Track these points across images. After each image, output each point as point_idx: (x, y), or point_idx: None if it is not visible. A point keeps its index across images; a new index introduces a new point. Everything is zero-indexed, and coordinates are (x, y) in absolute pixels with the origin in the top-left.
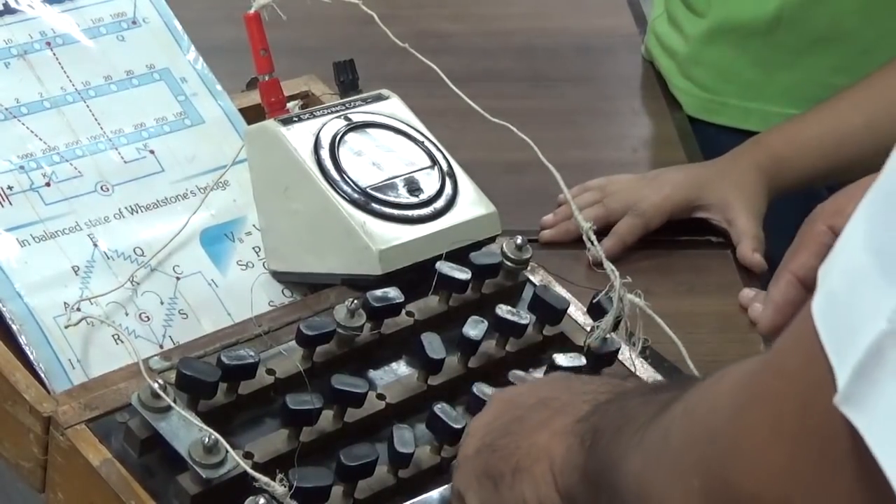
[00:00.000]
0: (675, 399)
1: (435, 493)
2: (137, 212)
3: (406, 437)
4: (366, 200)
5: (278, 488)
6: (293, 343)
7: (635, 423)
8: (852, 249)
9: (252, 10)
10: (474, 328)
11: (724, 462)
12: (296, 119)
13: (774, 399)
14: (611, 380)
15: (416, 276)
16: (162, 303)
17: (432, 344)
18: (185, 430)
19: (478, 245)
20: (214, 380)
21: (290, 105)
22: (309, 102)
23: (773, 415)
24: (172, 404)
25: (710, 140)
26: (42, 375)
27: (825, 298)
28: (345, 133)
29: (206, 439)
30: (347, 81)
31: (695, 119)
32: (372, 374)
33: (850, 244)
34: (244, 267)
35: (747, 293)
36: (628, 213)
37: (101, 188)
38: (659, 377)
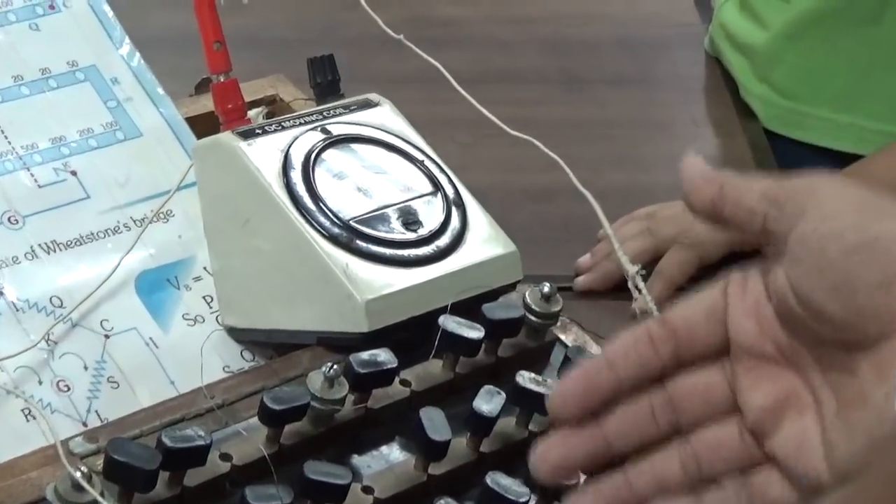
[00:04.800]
0: None
1: None
2: (55, 250)
3: None
4: (349, 237)
5: None
6: (255, 420)
7: None
8: None
9: None
10: (488, 402)
11: None
12: (259, 131)
13: None
14: None
15: (413, 335)
16: (86, 368)
17: (434, 421)
18: None
19: (493, 294)
20: (153, 467)
21: (251, 113)
22: (276, 110)
23: None
24: (99, 499)
25: (791, 160)
26: None
27: None
28: (322, 149)
29: None
30: (325, 83)
31: (773, 133)
32: (356, 460)
33: None
34: (192, 322)
35: None
36: (676, 244)
37: (9, 220)
38: None
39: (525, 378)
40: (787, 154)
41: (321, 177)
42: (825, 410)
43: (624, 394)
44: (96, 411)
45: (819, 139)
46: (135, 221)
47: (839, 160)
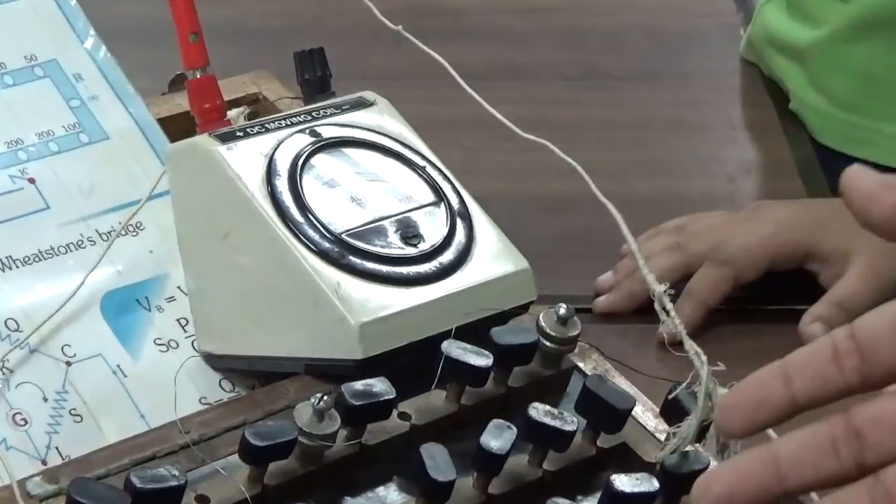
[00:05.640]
0: None
1: None
2: (10, 267)
3: None
4: (341, 252)
5: None
6: (235, 458)
7: None
8: None
9: None
10: (497, 437)
11: None
12: (240, 134)
13: None
14: None
15: (412, 362)
16: (45, 399)
17: (436, 459)
18: None
19: (503, 317)
20: None
21: (231, 114)
22: (259, 110)
23: None
24: None
25: None
26: None
27: None
28: (311, 154)
29: None
30: (314, 80)
31: (828, 149)
32: (349, 503)
33: None
34: (164, 348)
35: None
36: (709, 260)
37: None
38: None
39: (539, 411)
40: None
41: (310, 185)
42: None
43: (798, 412)
44: (57, 448)
45: (885, 159)
46: (100, 235)
47: None
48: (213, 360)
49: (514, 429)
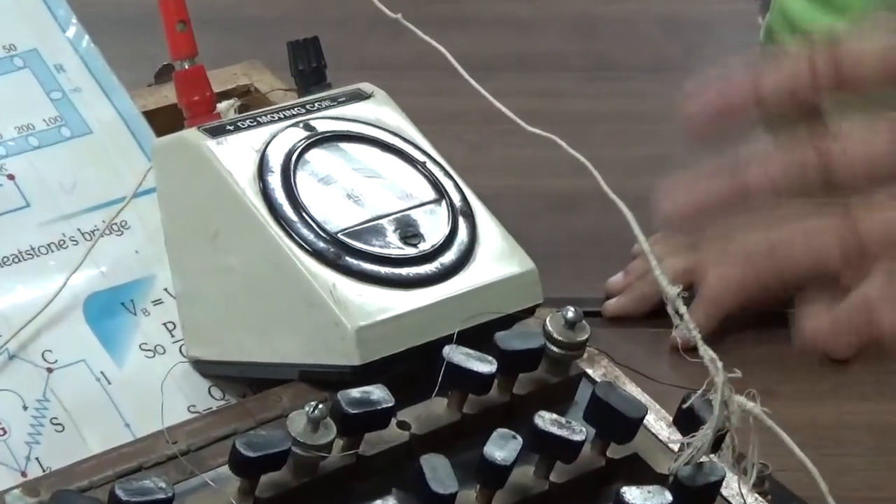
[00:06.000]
0: None
1: None
2: None
3: None
4: (337, 252)
5: None
6: (225, 469)
7: None
8: None
9: None
10: (502, 448)
11: None
12: (230, 128)
13: None
14: None
15: (412, 369)
16: (25, 407)
17: (437, 471)
18: None
19: (508, 321)
20: None
21: (221, 107)
22: (251, 102)
23: None
24: None
25: None
26: None
27: None
28: (306, 149)
29: None
30: (309, 70)
31: None
32: None
33: None
34: (151, 353)
35: None
36: (726, 262)
37: None
38: None
39: (545, 420)
40: None
41: (304, 182)
42: None
43: (762, 106)
44: (37, 459)
45: None
46: (83, 234)
47: None
48: (201, 367)
49: (520, 438)
